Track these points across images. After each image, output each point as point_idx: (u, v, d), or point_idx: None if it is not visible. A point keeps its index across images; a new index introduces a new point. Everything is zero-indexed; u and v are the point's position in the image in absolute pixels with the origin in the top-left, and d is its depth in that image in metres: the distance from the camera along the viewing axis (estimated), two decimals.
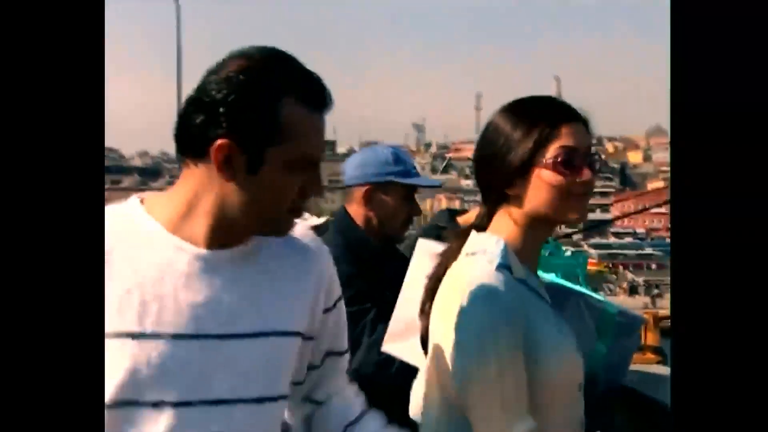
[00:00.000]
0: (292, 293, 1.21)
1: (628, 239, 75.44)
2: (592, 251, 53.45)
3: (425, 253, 1.80)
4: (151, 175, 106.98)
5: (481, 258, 1.31)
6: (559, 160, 1.30)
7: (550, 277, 1.78)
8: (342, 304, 1.35)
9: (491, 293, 1.25)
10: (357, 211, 2.24)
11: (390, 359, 1.97)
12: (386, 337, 1.91)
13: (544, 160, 1.31)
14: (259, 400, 1.15)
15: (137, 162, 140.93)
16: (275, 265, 1.20)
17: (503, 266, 1.30)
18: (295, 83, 1.10)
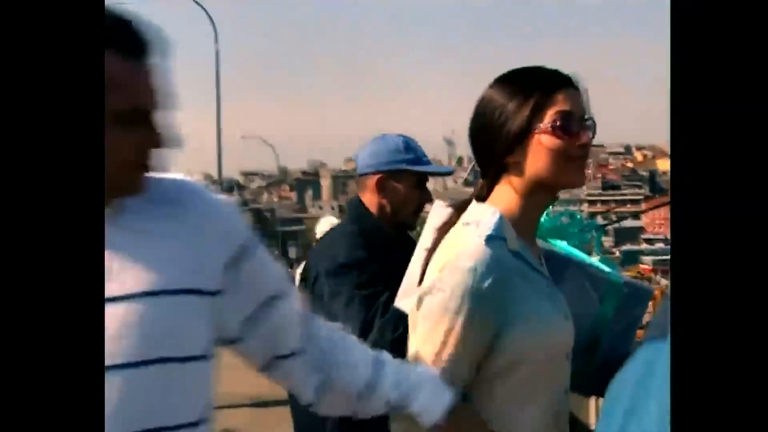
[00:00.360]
0: (166, 250, 1.12)
1: (660, 245, 74.26)
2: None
3: (440, 214, 1.82)
4: None
5: (474, 229, 1.33)
6: (557, 124, 1.31)
7: (560, 245, 1.73)
8: (262, 250, 1.26)
9: (473, 268, 1.27)
10: (370, 200, 2.26)
11: (402, 340, 2.00)
12: (399, 294, 1.94)
13: (541, 126, 1.32)
14: (163, 361, 1.08)
15: None
16: (142, 225, 1.11)
17: (495, 238, 1.31)
18: (112, 35, 1.02)
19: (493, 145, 1.35)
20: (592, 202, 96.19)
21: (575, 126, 1.32)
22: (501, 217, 1.33)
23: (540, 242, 1.53)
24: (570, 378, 1.41)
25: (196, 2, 21.00)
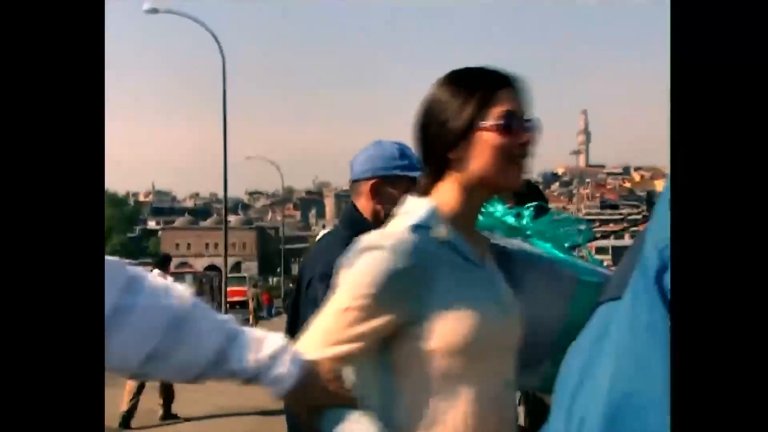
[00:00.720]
0: None
1: None
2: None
3: None
4: (202, 214, 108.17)
5: (403, 218, 1.34)
6: (500, 122, 1.31)
7: (540, 243, 1.67)
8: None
9: (389, 251, 1.26)
10: (365, 205, 2.24)
11: None
12: None
13: (485, 123, 1.31)
14: None
15: (189, 203, 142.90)
16: None
17: (421, 227, 1.31)
18: None
19: (437, 141, 1.35)
20: (590, 221, 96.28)
21: (517, 125, 1.32)
22: (433, 209, 1.34)
23: (506, 240, 1.52)
24: (545, 380, 1.35)
25: (205, 27, 21.14)
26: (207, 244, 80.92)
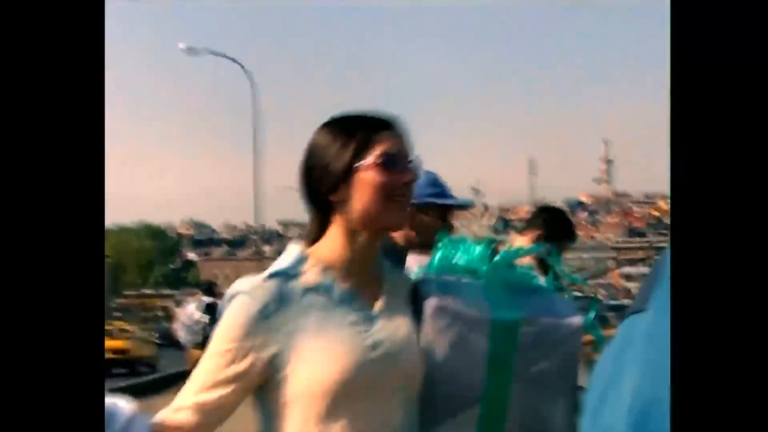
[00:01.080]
0: None
1: None
2: None
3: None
4: (238, 245, 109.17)
5: (272, 265, 1.34)
6: (379, 162, 1.30)
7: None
8: None
9: (244, 300, 1.27)
10: (398, 233, 2.27)
11: None
12: None
13: (364, 163, 1.31)
14: None
15: (225, 234, 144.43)
16: None
17: (282, 274, 1.30)
18: None
19: (319, 185, 1.34)
20: (618, 249, 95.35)
21: (398, 164, 1.32)
22: (299, 256, 1.34)
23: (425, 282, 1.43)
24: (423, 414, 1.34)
25: (234, 60, 21.52)
26: (243, 274, 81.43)
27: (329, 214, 1.36)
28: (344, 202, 1.33)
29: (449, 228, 2.33)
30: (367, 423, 1.28)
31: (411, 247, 2.25)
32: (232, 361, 1.26)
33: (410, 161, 1.35)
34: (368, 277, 1.38)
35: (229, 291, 1.32)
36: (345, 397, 1.26)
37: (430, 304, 1.38)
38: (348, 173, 1.31)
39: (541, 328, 1.42)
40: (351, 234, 1.34)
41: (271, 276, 1.30)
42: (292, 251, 1.36)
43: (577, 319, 1.46)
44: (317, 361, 1.26)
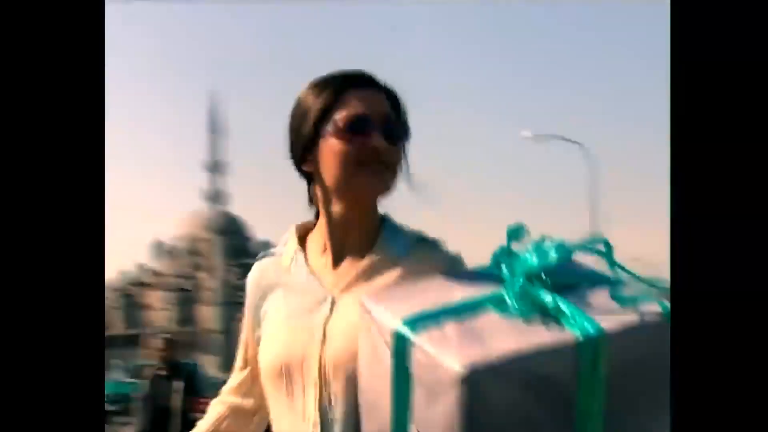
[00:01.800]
0: None
1: None
2: None
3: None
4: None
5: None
6: (340, 125, 1.11)
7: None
8: None
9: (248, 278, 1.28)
10: None
11: None
12: None
13: (329, 129, 1.12)
14: None
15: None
16: None
17: (273, 253, 1.27)
18: None
19: (292, 155, 1.19)
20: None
21: (367, 128, 1.11)
22: (290, 233, 1.24)
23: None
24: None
25: None
26: None
27: (309, 184, 1.21)
28: (316, 173, 1.17)
29: None
30: (289, 414, 1.14)
31: None
32: (245, 345, 1.31)
33: (389, 123, 1.13)
34: (353, 254, 1.18)
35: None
36: (278, 383, 1.15)
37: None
38: (313, 141, 1.14)
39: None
40: (326, 206, 1.18)
41: (263, 255, 1.27)
42: (291, 230, 1.26)
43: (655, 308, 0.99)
44: (266, 342, 1.20)
